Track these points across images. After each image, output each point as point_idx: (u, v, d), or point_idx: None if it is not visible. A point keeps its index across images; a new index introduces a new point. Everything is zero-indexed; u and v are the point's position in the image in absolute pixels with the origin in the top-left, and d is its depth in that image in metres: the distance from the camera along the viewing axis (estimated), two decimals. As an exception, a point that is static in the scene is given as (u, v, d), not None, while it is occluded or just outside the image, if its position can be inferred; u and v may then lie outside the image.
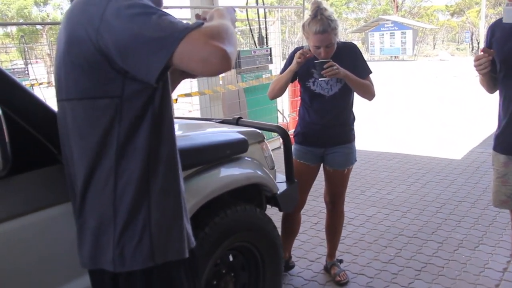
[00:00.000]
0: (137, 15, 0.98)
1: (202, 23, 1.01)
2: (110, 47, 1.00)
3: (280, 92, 2.48)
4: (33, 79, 8.55)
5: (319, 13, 2.23)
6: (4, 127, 1.14)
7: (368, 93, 2.42)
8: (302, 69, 2.39)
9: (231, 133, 2.14)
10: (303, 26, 2.31)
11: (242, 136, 2.06)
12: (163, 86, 1.13)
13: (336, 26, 2.26)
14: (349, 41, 2.77)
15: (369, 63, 2.46)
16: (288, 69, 2.38)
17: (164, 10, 1.05)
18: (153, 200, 1.14)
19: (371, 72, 2.45)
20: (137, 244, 1.12)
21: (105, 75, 1.04)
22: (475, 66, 1.99)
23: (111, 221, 1.11)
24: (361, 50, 2.55)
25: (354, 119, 2.58)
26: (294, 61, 2.33)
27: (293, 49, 2.52)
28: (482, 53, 1.98)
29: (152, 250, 1.13)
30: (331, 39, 2.27)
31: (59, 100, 1.17)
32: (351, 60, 2.39)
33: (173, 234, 1.18)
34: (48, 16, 33.04)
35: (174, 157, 1.20)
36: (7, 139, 1.15)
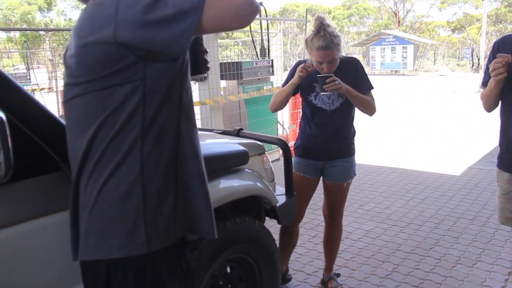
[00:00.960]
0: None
1: None
2: (132, 38, 1.01)
3: (281, 105, 2.50)
4: (34, 84, 8.57)
5: (322, 29, 2.24)
6: (8, 133, 1.15)
7: (369, 109, 2.43)
8: (304, 83, 2.40)
9: (232, 144, 2.15)
10: (306, 41, 2.32)
11: (243, 148, 2.07)
12: (185, 68, 1.15)
13: (339, 42, 2.28)
14: (351, 55, 2.78)
15: (369, 77, 2.47)
16: (290, 82, 2.39)
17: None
18: (181, 180, 1.17)
19: (372, 88, 2.46)
20: (169, 222, 1.15)
21: (126, 63, 1.05)
22: (491, 71, 1.97)
23: (140, 205, 1.11)
24: (362, 63, 2.57)
25: (354, 133, 2.58)
26: (296, 75, 2.34)
27: (295, 62, 2.53)
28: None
29: (176, 228, 1.17)
30: (334, 55, 2.28)
31: (71, 98, 1.13)
32: (353, 75, 2.40)
33: (200, 212, 1.22)
34: (51, 21, 33.27)
35: (197, 142, 1.23)
36: (10, 145, 1.15)
